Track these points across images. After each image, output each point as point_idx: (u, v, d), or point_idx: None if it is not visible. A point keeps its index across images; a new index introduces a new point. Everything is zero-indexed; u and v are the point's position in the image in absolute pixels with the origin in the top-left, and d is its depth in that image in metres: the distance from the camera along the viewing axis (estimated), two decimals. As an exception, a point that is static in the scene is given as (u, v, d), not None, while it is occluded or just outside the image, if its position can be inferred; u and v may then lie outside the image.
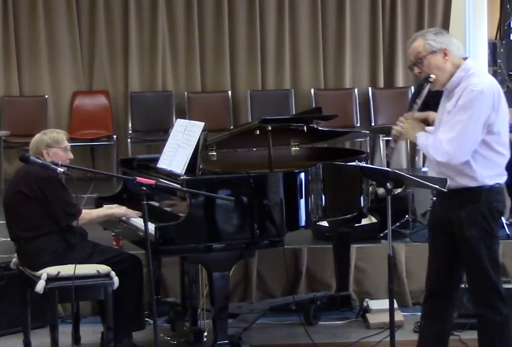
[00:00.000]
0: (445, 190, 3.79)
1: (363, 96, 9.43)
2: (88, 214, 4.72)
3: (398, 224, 6.05)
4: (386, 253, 3.87)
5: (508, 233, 5.93)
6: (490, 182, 3.86)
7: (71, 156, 4.80)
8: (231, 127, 8.76)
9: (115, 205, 4.84)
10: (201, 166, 4.50)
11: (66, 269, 4.42)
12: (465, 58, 3.95)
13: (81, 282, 4.42)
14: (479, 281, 3.95)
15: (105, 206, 4.94)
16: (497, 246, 3.97)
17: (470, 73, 3.87)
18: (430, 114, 4.08)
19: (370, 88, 9.43)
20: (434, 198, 6.09)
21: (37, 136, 4.78)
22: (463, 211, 3.88)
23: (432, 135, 3.88)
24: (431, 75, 3.87)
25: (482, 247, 3.88)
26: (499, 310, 3.92)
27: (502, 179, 3.93)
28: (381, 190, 5.81)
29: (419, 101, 3.96)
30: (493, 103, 3.80)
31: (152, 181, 4.01)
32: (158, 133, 8.86)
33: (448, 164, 3.82)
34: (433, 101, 4.14)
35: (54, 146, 4.72)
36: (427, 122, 4.07)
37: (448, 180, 3.78)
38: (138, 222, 4.53)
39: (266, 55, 9.40)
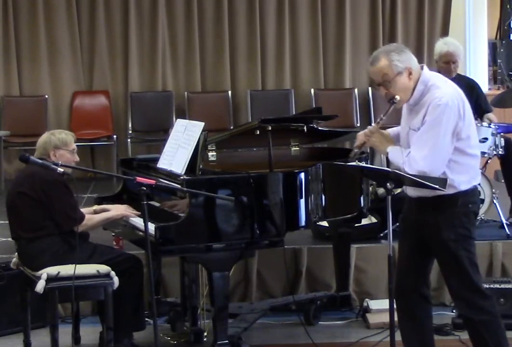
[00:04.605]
0: (445, 190, 3.79)
1: (363, 96, 9.43)
2: (90, 220, 4.68)
3: (398, 224, 6.02)
4: (386, 253, 3.87)
5: (508, 233, 5.92)
6: (466, 186, 3.89)
7: (77, 158, 4.75)
8: (231, 127, 8.76)
9: (119, 206, 4.85)
10: (201, 166, 4.51)
11: (66, 269, 4.42)
12: (421, 67, 3.91)
13: (81, 282, 4.42)
14: (461, 283, 3.95)
15: (106, 206, 4.92)
16: (474, 248, 3.98)
17: (430, 84, 3.85)
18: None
19: (370, 88, 9.41)
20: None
21: (45, 136, 4.69)
22: (440, 215, 3.89)
23: (404, 151, 3.87)
24: (396, 96, 3.85)
25: (460, 249, 3.89)
26: (485, 309, 3.93)
27: (477, 180, 3.96)
28: (381, 190, 5.81)
29: (384, 117, 3.94)
30: (458, 112, 3.80)
31: (152, 181, 4.01)
32: (158, 133, 8.86)
33: None
34: None
35: (62, 148, 4.65)
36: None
37: (425, 190, 3.80)
38: (138, 222, 4.53)
39: (266, 55, 9.40)
